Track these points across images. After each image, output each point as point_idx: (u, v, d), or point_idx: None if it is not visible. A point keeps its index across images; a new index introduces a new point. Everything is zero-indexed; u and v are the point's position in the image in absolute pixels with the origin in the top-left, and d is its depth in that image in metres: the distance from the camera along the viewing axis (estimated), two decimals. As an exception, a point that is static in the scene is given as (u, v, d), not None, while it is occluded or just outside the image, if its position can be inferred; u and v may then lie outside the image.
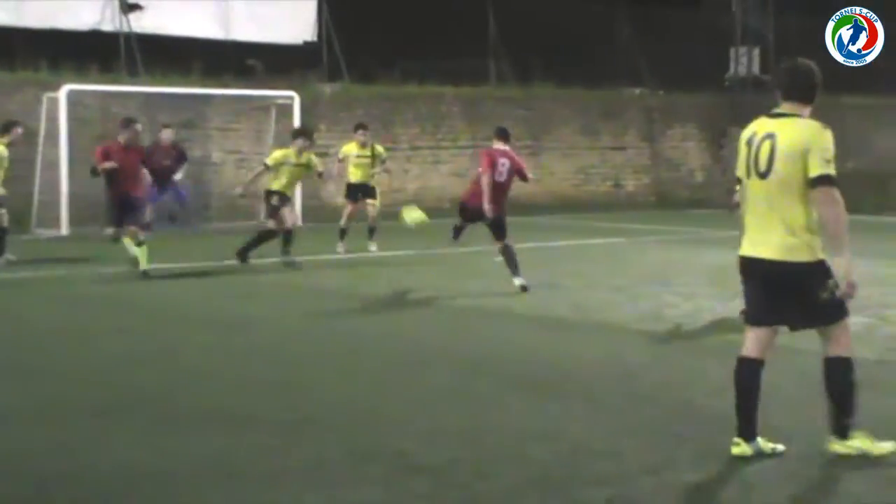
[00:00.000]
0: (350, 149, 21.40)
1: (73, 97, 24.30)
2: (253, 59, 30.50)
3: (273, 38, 31.36)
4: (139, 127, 17.88)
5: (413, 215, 17.50)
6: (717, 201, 34.26)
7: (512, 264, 15.55)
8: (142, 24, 28.93)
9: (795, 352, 11.33)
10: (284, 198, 19.08)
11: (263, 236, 18.70)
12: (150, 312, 13.96)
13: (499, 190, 15.87)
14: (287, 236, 18.61)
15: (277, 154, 19.37)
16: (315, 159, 19.63)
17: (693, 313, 13.67)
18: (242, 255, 18.25)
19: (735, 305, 14.19)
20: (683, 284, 16.11)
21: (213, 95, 27.49)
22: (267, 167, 18.99)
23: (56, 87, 24.20)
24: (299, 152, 18.97)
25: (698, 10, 37.71)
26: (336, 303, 14.66)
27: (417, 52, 31.94)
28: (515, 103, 32.52)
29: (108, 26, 28.81)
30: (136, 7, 28.95)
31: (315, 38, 31.92)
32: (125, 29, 28.78)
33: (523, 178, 16.37)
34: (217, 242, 22.15)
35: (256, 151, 28.16)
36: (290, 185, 19.47)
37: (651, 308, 14.04)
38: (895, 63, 30.97)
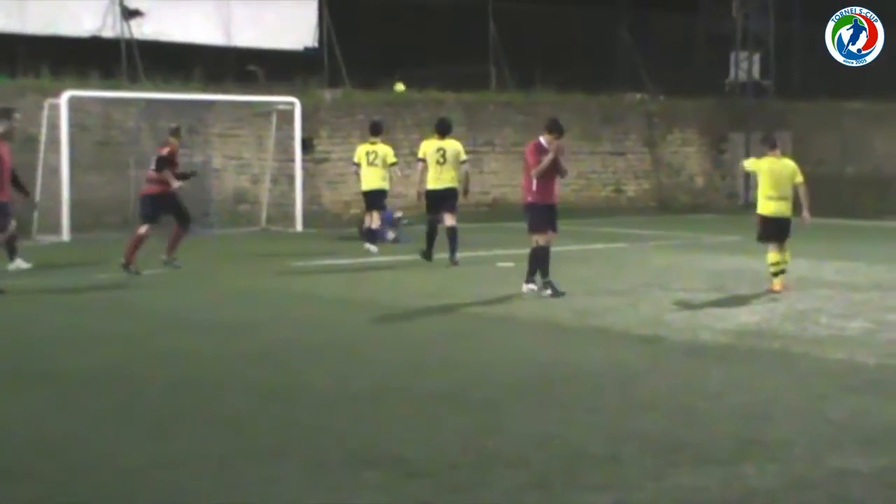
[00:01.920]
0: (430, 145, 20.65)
1: (74, 103, 24.32)
2: (254, 65, 30.52)
3: (274, 44, 31.38)
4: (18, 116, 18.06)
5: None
6: (717, 206, 34.36)
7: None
8: (143, 30, 28.97)
9: (794, 357, 11.36)
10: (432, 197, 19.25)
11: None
12: (149, 317, 13.96)
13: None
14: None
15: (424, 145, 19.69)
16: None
17: (693, 318, 13.66)
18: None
19: (735, 311, 14.24)
20: (684, 289, 16.12)
21: (214, 101, 27.52)
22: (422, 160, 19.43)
23: (57, 94, 24.22)
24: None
25: (698, 16, 37.74)
26: (335, 308, 14.67)
27: (418, 58, 31.98)
28: (516, 109, 32.52)
29: (109, 33, 28.84)
30: (137, 13, 28.98)
31: (316, 44, 31.95)
32: (126, 35, 28.81)
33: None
34: (217, 248, 22.18)
35: (258, 157, 28.23)
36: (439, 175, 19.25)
37: (651, 313, 14.04)
38: (894, 67, 31.02)
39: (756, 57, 36.48)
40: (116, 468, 7.49)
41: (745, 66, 36.25)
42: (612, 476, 7.32)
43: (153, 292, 16.30)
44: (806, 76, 36.66)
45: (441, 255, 18.92)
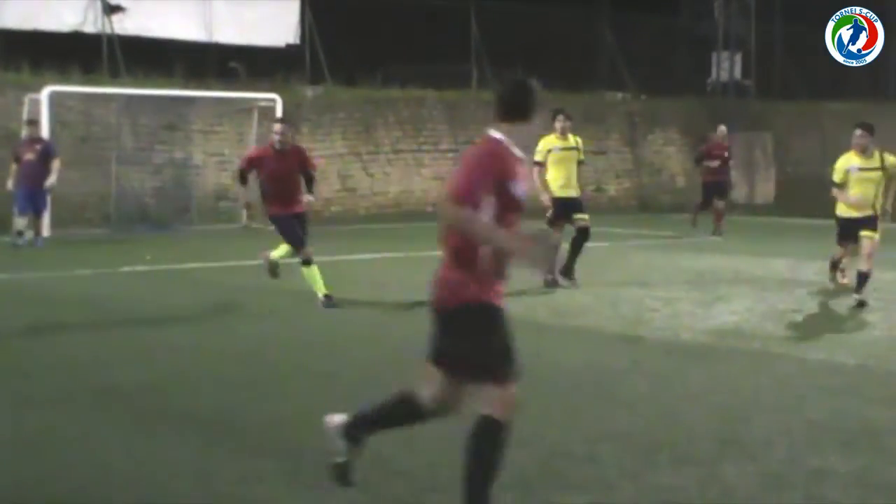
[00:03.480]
0: (549, 143, 16.84)
1: (55, 99, 24.25)
2: (235, 62, 30.47)
3: (255, 41, 31.34)
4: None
5: None
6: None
7: None
8: (124, 25, 28.90)
9: (774, 357, 11.38)
10: (559, 208, 16.63)
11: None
12: (128, 314, 13.90)
13: None
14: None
15: (540, 145, 16.54)
16: (581, 141, 17.25)
17: (673, 318, 13.68)
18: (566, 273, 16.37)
19: (715, 310, 14.26)
20: (664, 289, 16.13)
21: (195, 97, 27.46)
22: (539, 164, 16.60)
23: (38, 89, 24.15)
24: (563, 134, 16.75)
25: (680, 16, 37.82)
26: (314, 305, 14.62)
27: (400, 55, 31.98)
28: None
29: (90, 28, 28.78)
30: (118, 9, 28.91)
31: (297, 41, 31.93)
32: (107, 30, 28.74)
33: None
34: (197, 245, 22.14)
35: (238, 154, 28.17)
36: (566, 179, 16.78)
37: (631, 312, 14.05)
38: (874, 69, 31.11)
39: (737, 58, 36.59)
40: (95, 464, 7.46)
41: (727, 66, 36.34)
42: (592, 475, 7.32)
43: (133, 288, 16.26)
44: (787, 77, 36.76)
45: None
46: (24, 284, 16.44)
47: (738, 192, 35.21)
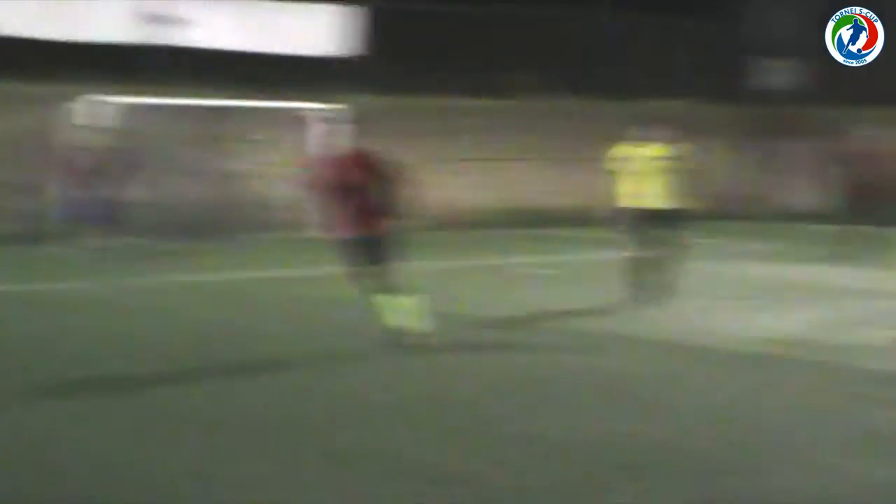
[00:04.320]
0: (622, 152, 15.53)
1: (95, 109, 24.39)
2: (284, 72, 30.47)
3: (307, 50, 31.30)
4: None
5: None
6: (739, 213, 34.02)
7: None
8: (171, 35, 28.95)
9: (774, 358, 11.37)
10: (626, 216, 15.04)
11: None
12: (129, 316, 13.94)
13: None
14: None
15: (613, 152, 15.40)
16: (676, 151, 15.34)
17: (672, 319, 13.56)
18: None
19: (718, 313, 14.10)
20: (710, 297, 15.84)
21: (243, 107, 27.49)
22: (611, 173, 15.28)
23: (78, 99, 24.29)
24: (642, 142, 15.23)
25: (720, 21, 37.60)
26: (316, 311, 14.50)
27: (469, 64, 31.64)
28: (568, 116, 32.19)
29: (134, 38, 28.87)
30: (164, 19, 29.01)
31: (351, 51, 31.86)
32: (152, 40, 28.78)
33: None
34: (224, 254, 22.19)
35: (290, 163, 28.16)
36: (638, 189, 14.99)
37: (632, 314, 13.97)
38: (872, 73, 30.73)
39: (781, 64, 36.36)
40: (95, 464, 7.52)
41: (772, 72, 36.16)
42: (591, 475, 7.27)
43: (136, 293, 16.15)
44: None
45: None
46: (32, 291, 16.37)
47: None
